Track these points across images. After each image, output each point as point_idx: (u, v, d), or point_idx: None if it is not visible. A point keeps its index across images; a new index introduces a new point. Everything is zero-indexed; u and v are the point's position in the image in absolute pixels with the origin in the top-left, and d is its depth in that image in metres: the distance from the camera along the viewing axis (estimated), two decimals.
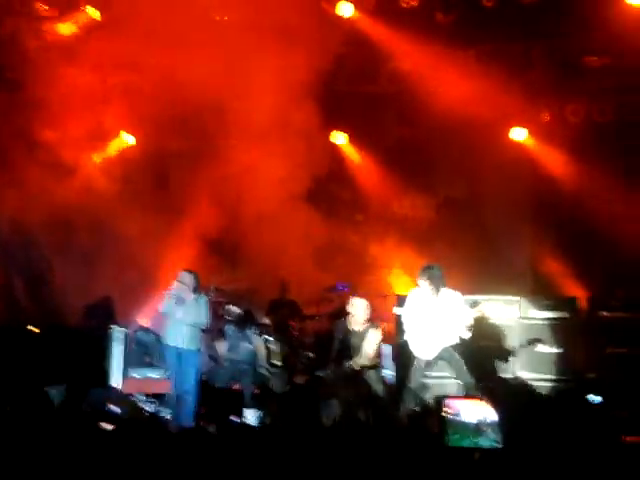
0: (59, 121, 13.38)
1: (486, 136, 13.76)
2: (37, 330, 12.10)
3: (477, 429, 7.30)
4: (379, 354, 10.96)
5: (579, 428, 8.03)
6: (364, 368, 10.50)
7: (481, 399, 7.28)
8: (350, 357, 10.51)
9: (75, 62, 13.35)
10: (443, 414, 7.27)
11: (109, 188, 13.89)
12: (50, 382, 11.43)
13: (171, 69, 12.96)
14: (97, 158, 14.59)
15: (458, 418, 7.29)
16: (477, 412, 7.35)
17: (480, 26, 13.64)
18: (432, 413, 8.46)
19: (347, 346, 10.65)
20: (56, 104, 13.25)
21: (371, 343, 10.60)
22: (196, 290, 10.98)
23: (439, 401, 7.54)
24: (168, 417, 10.77)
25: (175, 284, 10.90)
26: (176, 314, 10.78)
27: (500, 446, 6.44)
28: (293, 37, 12.95)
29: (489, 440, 7.17)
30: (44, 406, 10.74)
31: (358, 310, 10.67)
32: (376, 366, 10.71)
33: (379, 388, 10.55)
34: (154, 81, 13.08)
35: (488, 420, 7.27)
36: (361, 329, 10.65)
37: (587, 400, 10.61)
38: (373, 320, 10.78)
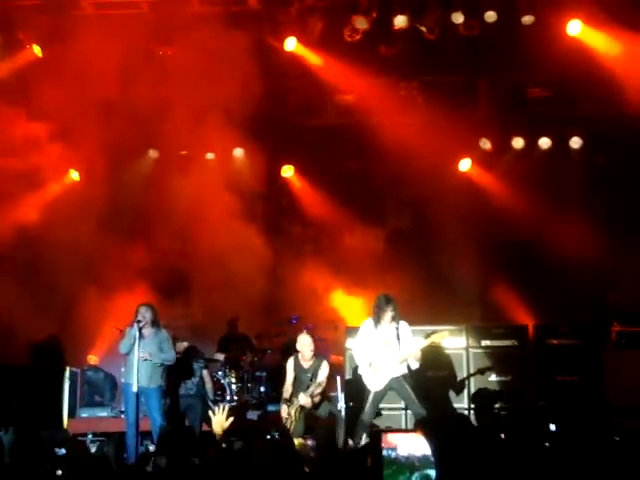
0: None
1: (432, 167, 13.91)
2: None
3: (413, 464, 7.31)
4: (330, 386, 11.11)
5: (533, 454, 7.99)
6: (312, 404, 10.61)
7: (418, 432, 7.27)
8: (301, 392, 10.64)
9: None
10: (380, 449, 7.24)
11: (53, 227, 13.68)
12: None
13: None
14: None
15: (394, 453, 7.27)
16: (413, 446, 7.34)
17: (423, 58, 13.80)
18: (369, 448, 8.47)
19: (300, 382, 10.80)
20: None
21: (322, 376, 10.74)
22: (155, 324, 10.68)
23: (376, 435, 7.51)
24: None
25: (134, 320, 10.66)
26: (135, 352, 10.37)
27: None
28: (236, 70, 13.01)
29: (425, 476, 7.18)
30: None
31: (304, 347, 10.83)
32: (325, 399, 10.84)
33: (326, 421, 10.65)
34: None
35: (424, 454, 7.27)
36: (309, 365, 10.82)
37: (545, 428, 10.66)
38: (319, 353, 11.03)
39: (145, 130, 13.29)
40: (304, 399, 10.62)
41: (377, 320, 10.30)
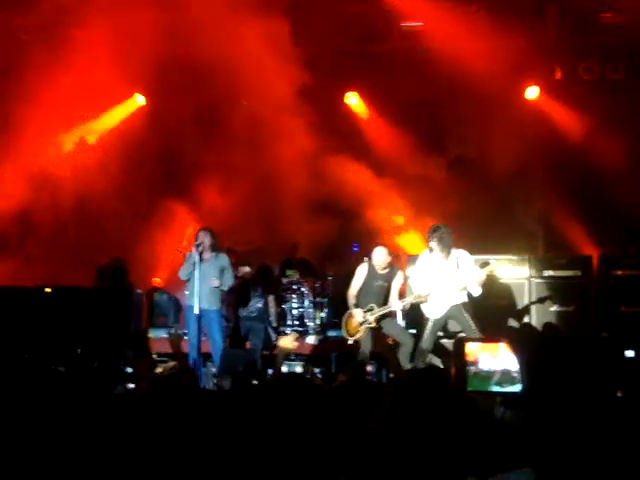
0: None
1: (498, 94, 13.61)
2: (50, 290, 12.18)
3: (498, 377, 7.29)
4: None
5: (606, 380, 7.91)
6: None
7: (504, 341, 7.20)
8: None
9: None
10: (464, 358, 7.21)
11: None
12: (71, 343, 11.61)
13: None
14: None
15: (474, 368, 7.25)
16: (494, 361, 7.31)
17: None
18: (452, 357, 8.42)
19: (368, 289, 10.47)
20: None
21: (397, 284, 10.54)
22: (214, 248, 10.88)
23: (460, 344, 7.45)
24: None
25: (193, 245, 10.80)
26: (195, 275, 10.57)
27: (523, 392, 6.38)
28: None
29: (511, 386, 7.17)
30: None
31: (378, 259, 10.53)
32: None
33: (403, 336, 10.55)
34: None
35: (505, 369, 7.25)
36: (384, 272, 10.50)
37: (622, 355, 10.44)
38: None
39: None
40: (398, 305, 10.38)
41: (435, 251, 10.24)
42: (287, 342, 9.67)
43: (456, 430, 3.79)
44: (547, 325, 11.68)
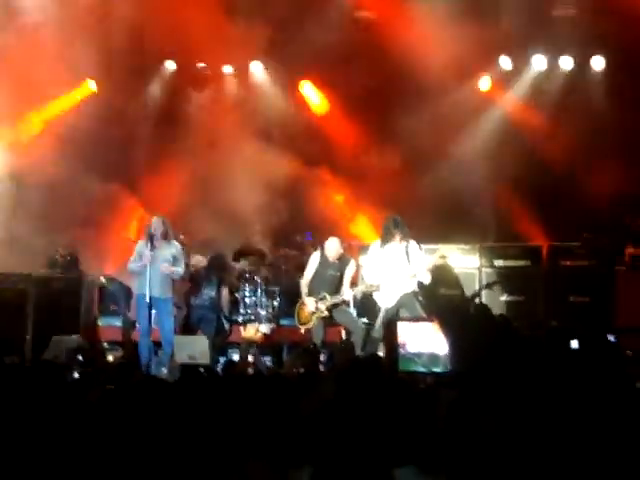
0: None
1: (452, 85, 13.74)
2: None
3: (427, 359, 7.38)
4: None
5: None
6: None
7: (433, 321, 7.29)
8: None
9: None
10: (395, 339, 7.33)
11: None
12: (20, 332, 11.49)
13: None
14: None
15: (402, 350, 7.36)
16: (422, 344, 7.41)
17: None
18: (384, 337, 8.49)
19: (321, 278, 10.60)
20: None
21: (349, 274, 10.66)
22: (166, 236, 10.83)
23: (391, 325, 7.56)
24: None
25: (146, 232, 10.76)
26: (146, 261, 10.52)
27: (450, 374, 6.47)
28: None
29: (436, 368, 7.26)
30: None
31: (331, 250, 10.66)
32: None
33: (354, 325, 10.63)
34: None
35: (432, 353, 7.34)
36: (336, 262, 10.66)
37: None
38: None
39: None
40: (350, 294, 10.51)
41: (386, 241, 10.33)
42: (251, 333, 9.69)
43: (391, 412, 3.85)
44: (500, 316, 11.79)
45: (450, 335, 5.92)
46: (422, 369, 7.58)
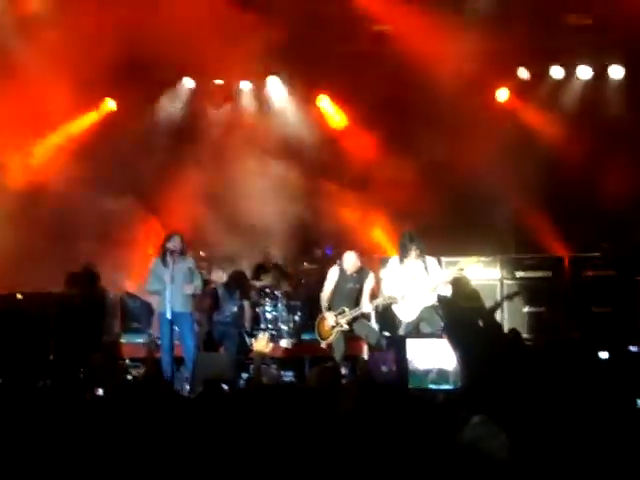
0: None
1: (469, 97, 13.69)
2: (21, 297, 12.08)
3: (436, 375, 7.36)
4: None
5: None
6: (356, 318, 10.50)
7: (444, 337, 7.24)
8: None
9: None
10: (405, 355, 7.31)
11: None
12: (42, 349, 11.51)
13: None
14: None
15: (410, 367, 7.33)
16: (430, 361, 7.37)
17: None
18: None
19: (341, 292, 10.60)
20: None
21: (369, 286, 10.65)
22: (182, 252, 10.93)
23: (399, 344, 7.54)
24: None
25: (165, 249, 10.83)
26: (167, 279, 10.63)
27: (460, 391, 6.45)
28: None
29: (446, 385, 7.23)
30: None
31: (348, 263, 10.66)
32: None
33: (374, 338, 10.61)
34: None
35: (440, 369, 7.31)
36: (354, 275, 10.65)
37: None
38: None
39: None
40: (369, 307, 10.51)
41: (404, 257, 10.34)
42: (262, 345, 9.62)
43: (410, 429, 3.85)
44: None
45: (460, 349, 5.90)
46: (432, 386, 7.55)
